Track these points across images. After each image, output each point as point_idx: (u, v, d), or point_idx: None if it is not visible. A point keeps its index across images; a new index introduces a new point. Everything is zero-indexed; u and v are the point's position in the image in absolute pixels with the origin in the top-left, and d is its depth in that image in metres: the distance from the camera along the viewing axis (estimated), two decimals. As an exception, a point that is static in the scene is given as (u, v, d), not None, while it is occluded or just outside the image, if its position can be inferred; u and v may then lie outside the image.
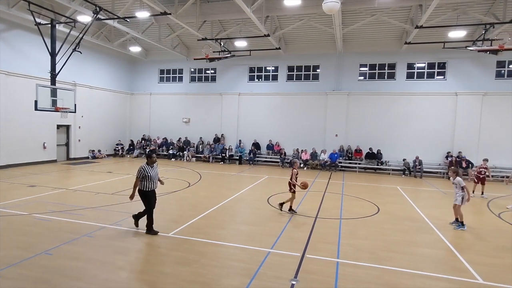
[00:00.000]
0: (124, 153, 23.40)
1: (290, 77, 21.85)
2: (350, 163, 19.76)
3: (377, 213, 9.56)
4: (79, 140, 20.61)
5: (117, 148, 23.34)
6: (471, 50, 15.00)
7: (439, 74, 19.22)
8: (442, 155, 18.83)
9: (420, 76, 19.50)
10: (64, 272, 5.22)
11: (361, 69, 20.48)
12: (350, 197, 11.90)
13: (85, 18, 14.63)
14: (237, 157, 21.39)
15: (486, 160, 13.17)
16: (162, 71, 24.80)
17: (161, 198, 10.53)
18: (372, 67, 20.29)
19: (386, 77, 20.05)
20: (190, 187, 12.55)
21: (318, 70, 21.26)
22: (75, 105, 14.58)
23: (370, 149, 19.58)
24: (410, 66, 19.59)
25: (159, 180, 7.32)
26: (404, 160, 18.52)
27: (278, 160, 20.71)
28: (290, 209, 9.20)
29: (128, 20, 15.49)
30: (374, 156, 19.45)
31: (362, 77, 20.51)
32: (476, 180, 12.81)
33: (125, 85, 24.79)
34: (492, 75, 18.32)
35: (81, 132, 20.71)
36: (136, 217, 7.26)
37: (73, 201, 9.76)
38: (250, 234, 7.47)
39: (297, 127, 21.37)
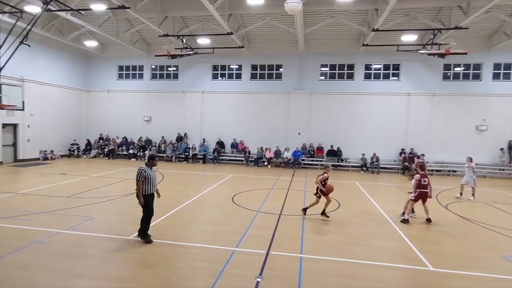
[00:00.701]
0: (80, 153, 22.12)
1: (253, 76, 21.97)
2: (312, 160, 20.34)
3: (338, 209, 9.94)
4: (28, 140, 19.13)
5: (72, 148, 22.00)
6: (421, 53, 16.07)
7: (393, 75, 20.41)
8: (397, 152, 20.03)
9: (377, 77, 20.57)
10: (13, 282, 4.82)
11: (322, 69, 21.15)
12: (312, 193, 12.23)
13: (33, 8, 13.55)
14: (201, 156, 21.12)
15: (422, 155, 14.35)
16: (121, 68, 23.74)
17: (120, 200, 10.12)
18: (333, 67, 21.03)
19: (345, 77, 20.88)
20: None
21: (281, 70, 21.60)
22: (23, 102, 13.51)
23: (331, 146, 20.32)
24: (367, 67, 20.59)
25: (157, 190, 6.80)
26: (363, 155, 19.43)
27: (243, 159, 20.77)
28: (323, 212, 8.69)
29: (82, 12, 14.62)
30: (335, 153, 20.20)
31: (323, 77, 21.18)
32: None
33: (81, 81, 23.40)
34: (439, 77, 19.82)
35: (31, 131, 19.23)
36: (142, 233, 6.61)
37: (23, 206, 9.03)
38: (215, 233, 7.42)
39: (261, 125, 21.57)
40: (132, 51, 21.71)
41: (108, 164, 19.17)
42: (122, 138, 22.81)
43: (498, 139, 18.96)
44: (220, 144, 21.52)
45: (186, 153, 21.14)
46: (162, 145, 22.06)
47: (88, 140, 22.96)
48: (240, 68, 22.14)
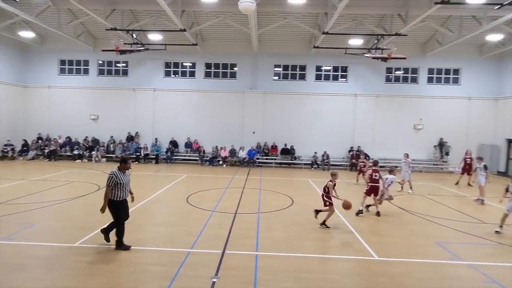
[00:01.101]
0: (15, 155, 20.06)
1: (207, 74, 21.73)
2: (267, 159, 20.70)
3: (291, 205, 10.26)
4: (-49, 141, 16.89)
5: (5, 150, 19.86)
6: (366, 56, 17.15)
7: (342, 77, 21.53)
8: (346, 149, 21.17)
9: (327, 78, 21.54)
10: None
11: (276, 69, 21.60)
12: (267, 191, 12.50)
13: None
14: (154, 156, 20.38)
15: (364, 153, 15.46)
16: (63, 62, 21.96)
17: (65, 204, 9.42)
18: (286, 68, 21.59)
19: (298, 78, 21.56)
20: (100, 190, 11.49)
21: (235, 69, 21.64)
22: None
23: (285, 145, 20.87)
24: (318, 68, 21.46)
25: (130, 193, 6.46)
26: (315, 153, 20.23)
27: (197, 158, 20.46)
28: (323, 223, 8.00)
29: (16, -1, 13.27)
30: (288, 151, 20.78)
31: (276, 77, 21.65)
32: (359, 172, 14.76)
33: (16, 76, 21.19)
34: (382, 79, 21.34)
35: (-46, 131, 17.00)
36: (106, 231, 6.26)
37: None
38: (169, 235, 7.24)
39: (216, 124, 21.43)
40: (76, 44, 20.19)
41: (50, 166, 17.65)
42: (66, 138, 21.13)
43: (432, 137, 20.96)
44: (174, 143, 20.96)
45: (137, 153, 20.24)
46: (111, 145, 20.88)
47: (24, 140, 20.89)
48: (193, 66, 21.74)
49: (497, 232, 7.89)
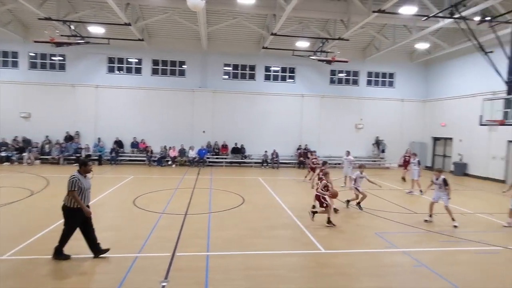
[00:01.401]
0: None
1: (155, 71, 20.94)
2: (217, 158, 20.60)
3: (242, 204, 10.36)
4: None
5: None
6: (312, 59, 17.95)
7: (290, 77, 22.24)
8: (294, 148, 21.92)
9: (275, 78, 22.08)
10: None
11: (226, 68, 21.58)
12: (218, 190, 12.45)
13: None
14: (96, 157, 19.07)
15: (313, 151, 16.23)
16: (-15, 52, 19.50)
17: (-11, 214, 8.38)
18: (235, 67, 21.67)
19: (247, 77, 21.78)
20: (33, 195, 10.44)
21: (184, 66, 21.16)
22: None
23: (236, 144, 20.96)
24: (267, 69, 21.91)
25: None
26: (265, 152, 20.62)
27: (145, 159, 19.62)
28: (329, 222, 8.12)
29: None
30: (238, 150, 20.90)
31: (226, 76, 21.63)
32: (310, 169, 14.97)
33: None
34: (327, 81, 22.50)
35: None
36: (95, 248, 5.72)
37: None
38: (116, 240, 6.83)
39: (164, 123, 20.76)
40: (3, 33, 18.04)
41: (-31, 170, 15.56)
42: (-11, 138, 18.81)
43: (371, 135, 22.66)
44: (119, 143, 19.83)
45: (77, 154, 18.73)
46: (47, 146, 19.07)
47: None
48: (140, 62, 20.78)
49: (426, 221, 8.83)
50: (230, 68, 21.66)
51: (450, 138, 20.65)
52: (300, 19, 17.51)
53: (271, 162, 20.48)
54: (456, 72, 20.33)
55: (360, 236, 7.62)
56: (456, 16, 12.35)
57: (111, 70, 20.58)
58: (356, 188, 10.10)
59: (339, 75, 22.81)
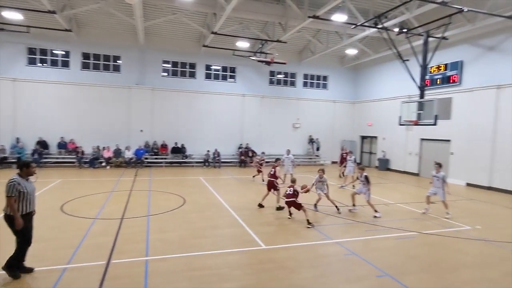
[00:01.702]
0: None
1: (85, 66, 19.31)
2: (156, 158, 19.80)
3: (183, 205, 10.15)
4: None
5: None
6: (252, 59, 18.28)
7: (231, 77, 22.34)
8: (235, 147, 22.10)
9: (216, 77, 22.00)
10: None
11: (165, 65, 20.83)
12: (157, 192, 12.00)
13: None
14: (14, 160, 16.90)
15: (252, 150, 16.63)
16: None
17: None
18: (175, 64, 21.04)
19: (188, 75, 21.31)
20: None
21: (119, 61, 19.89)
22: None
23: (176, 143, 20.38)
24: (208, 67, 21.71)
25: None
26: (207, 152, 20.41)
27: (75, 160, 17.97)
28: (309, 223, 8.24)
29: None
30: (179, 150, 20.36)
31: (166, 73, 20.89)
32: (258, 171, 15.16)
33: None
34: (267, 82, 23.13)
35: None
36: (11, 265, 5.04)
37: None
38: (39, 252, 6.16)
39: (97, 122, 19.27)
40: None
41: None
42: None
43: (307, 134, 23.92)
44: (43, 144, 17.87)
45: (-12, 157, 16.41)
46: None
47: None
48: (67, 55, 18.96)
49: (350, 210, 9.84)
50: (170, 65, 20.96)
51: (375, 137, 22.82)
52: (240, 20, 17.70)
53: (213, 161, 20.36)
54: (380, 77, 22.51)
55: (297, 230, 8.02)
56: (379, 26, 13.68)
57: (32, 62, 18.40)
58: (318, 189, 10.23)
59: (278, 76, 23.62)
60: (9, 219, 4.97)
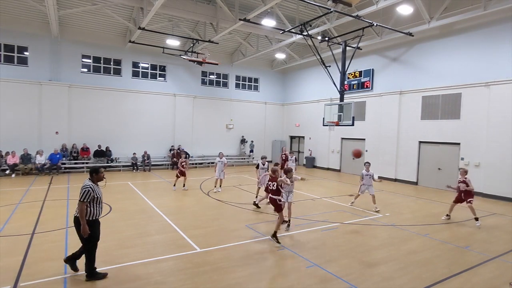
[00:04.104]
0: None
1: (-18, 57, 16.54)
2: (76, 163, 17.96)
3: (109, 213, 9.44)
4: None
5: None
6: (183, 58, 17.86)
7: (160, 76, 21.46)
8: (167, 148, 21.30)
9: (145, 75, 20.89)
10: None
11: (84, 60, 19.01)
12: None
13: None
14: None
15: (185, 152, 16.27)
16: None
17: None
18: (97, 60, 19.36)
19: (112, 72, 19.80)
20: None
21: (26, 53, 17.48)
22: None
23: (99, 146, 18.77)
24: (135, 64, 20.47)
25: None
26: (134, 154, 19.24)
27: (-32, 168, 15.25)
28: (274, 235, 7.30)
29: None
30: (103, 153, 18.80)
31: (85, 69, 19.08)
32: (178, 174, 13.72)
33: None
34: (199, 82, 22.82)
35: None
36: (72, 259, 5.35)
37: None
38: None
39: (-1, 123, 16.67)
40: None
41: None
42: None
43: (240, 135, 24.30)
44: None
45: None
46: None
47: None
48: (-44, 43, 15.99)
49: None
50: (90, 61, 19.17)
51: (303, 136, 24.30)
52: (170, 17, 17.13)
53: (142, 164, 19.28)
54: (306, 81, 24.02)
55: (232, 230, 8.13)
56: (305, 33, 14.63)
57: None
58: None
59: (210, 77, 23.48)
60: (78, 223, 5.08)
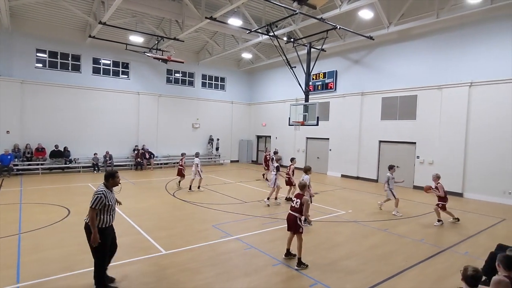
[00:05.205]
0: None
1: None
2: (30, 164, 16.78)
3: (67, 216, 8.95)
4: None
5: None
6: (148, 56, 17.33)
7: (123, 73, 20.64)
8: (130, 148, 20.55)
9: (106, 72, 19.98)
10: None
11: (40, 55, 17.80)
12: (32, 204, 10.23)
13: None
14: None
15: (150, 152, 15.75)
16: None
17: None
18: (54, 55, 18.20)
19: (70, 68, 18.72)
20: None
21: (-28, 46, 16.04)
22: None
23: (56, 146, 17.68)
24: (96, 61, 19.51)
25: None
26: (95, 154, 18.36)
27: None
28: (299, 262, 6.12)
29: None
30: (61, 154, 17.74)
31: (40, 65, 17.88)
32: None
33: None
34: (164, 80, 22.27)
35: None
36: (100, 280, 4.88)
37: None
38: None
39: None
40: None
41: None
42: None
43: (206, 134, 24.06)
44: None
45: None
46: None
47: None
48: None
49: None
50: (46, 55, 17.97)
51: (269, 136, 24.58)
52: (133, 12, 16.54)
53: (104, 165, 18.43)
54: (272, 81, 24.32)
55: (198, 231, 8.04)
56: (271, 34, 14.81)
57: None
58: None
59: (176, 75, 22.99)
60: (89, 230, 4.83)
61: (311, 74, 15.99)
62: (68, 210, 9.55)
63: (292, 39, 16.41)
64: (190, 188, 13.12)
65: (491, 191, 12.71)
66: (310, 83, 16.77)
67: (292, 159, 12.25)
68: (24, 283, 5.10)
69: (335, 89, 19.22)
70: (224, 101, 25.02)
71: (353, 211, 10.52)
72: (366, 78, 17.54)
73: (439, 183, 9.31)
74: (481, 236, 8.30)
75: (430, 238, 8.01)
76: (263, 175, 16.27)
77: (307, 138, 21.22)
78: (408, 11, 14.43)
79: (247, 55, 21.79)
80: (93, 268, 5.09)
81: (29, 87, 17.19)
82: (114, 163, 18.89)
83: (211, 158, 23.85)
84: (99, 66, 19.67)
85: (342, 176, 18.51)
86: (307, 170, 9.24)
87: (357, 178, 17.80)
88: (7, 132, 16.59)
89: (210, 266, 5.96)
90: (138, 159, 19.57)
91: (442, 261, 6.55)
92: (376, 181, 16.92)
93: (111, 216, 5.04)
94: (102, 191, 4.93)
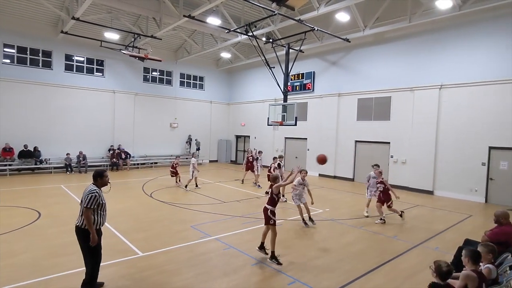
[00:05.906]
0: None
1: None
2: (-4, 165, 15.94)
3: (38, 219, 8.59)
4: None
5: None
6: (124, 53, 16.90)
7: (98, 70, 20.00)
8: (105, 148, 19.95)
9: (80, 70, 19.29)
10: None
11: (7, 50, 16.92)
12: (1, 207, 9.73)
13: None
14: None
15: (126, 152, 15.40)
16: None
17: None
18: (23, 50, 17.35)
19: (41, 65, 17.93)
20: None
21: None
22: None
23: (25, 146, 16.89)
24: (68, 57, 18.78)
25: None
26: (67, 154, 17.69)
27: None
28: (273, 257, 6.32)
29: None
30: (30, 154, 16.96)
31: (8, 60, 17.00)
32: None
33: None
34: (141, 78, 21.78)
35: None
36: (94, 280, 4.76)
37: None
38: None
39: None
40: None
41: None
42: None
43: (185, 134, 23.77)
44: None
45: None
46: None
47: None
48: None
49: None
50: (14, 51, 17.10)
51: (248, 136, 24.63)
52: (108, 8, 16.07)
53: (77, 165, 17.79)
54: (251, 81, 24.37)
55: (176, 231, 7.95)
56: (250, 34, 14.85)
57: None
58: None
59: (153, 73, 22.56)
60: (82, 233, 4.64)
61: (290, 74, 16.17)
62: (39, 212, 9.16)
63: (271, 40, 16.53)
64: (185, 187, 13.59)
65: (459, 189, 13.38)
66: (289, 83, 16.96)
67: (275, 158, 13.08)
68: (-8, 290, 4.86)
69: (313, 90, 19.55)
70: (203, 100, 24.81)
71: (330, 209, 10.75)
72: (343, 80, 17.96)
73: (383, 178, 9.41)
74: (450, 231, 8.73)
75: (403, 234, 8.33)
76: (255, 182, 15.01)
77: (286, 138, 21.44)
78: (383, 15, 14.91)
79: (226, 55, 21.72)
80: (71, 271, 5.00)
81: (-4, 83, 16.31)
82: (88, 164, 18.29)
83: (188, 158, 23.55)
84: (72, 63, 18.95)
85: (320, 175, 18.85)
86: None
87: (334, 177, 18.20)
88: (-29, 131, 15.67)
89: (189, 267, 5.92)
90: (114, 159, 19.05)
91: (414, 256, 6.84)
92: (353, 180, 17.37)
93: (102, 218, 4.87)
94: (95, 190, 4.79)
